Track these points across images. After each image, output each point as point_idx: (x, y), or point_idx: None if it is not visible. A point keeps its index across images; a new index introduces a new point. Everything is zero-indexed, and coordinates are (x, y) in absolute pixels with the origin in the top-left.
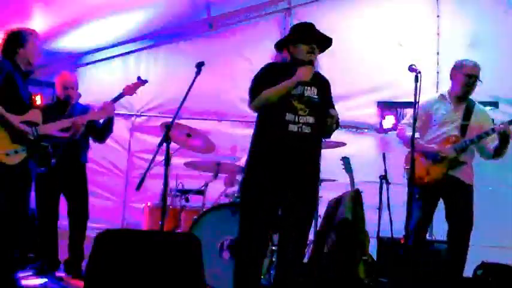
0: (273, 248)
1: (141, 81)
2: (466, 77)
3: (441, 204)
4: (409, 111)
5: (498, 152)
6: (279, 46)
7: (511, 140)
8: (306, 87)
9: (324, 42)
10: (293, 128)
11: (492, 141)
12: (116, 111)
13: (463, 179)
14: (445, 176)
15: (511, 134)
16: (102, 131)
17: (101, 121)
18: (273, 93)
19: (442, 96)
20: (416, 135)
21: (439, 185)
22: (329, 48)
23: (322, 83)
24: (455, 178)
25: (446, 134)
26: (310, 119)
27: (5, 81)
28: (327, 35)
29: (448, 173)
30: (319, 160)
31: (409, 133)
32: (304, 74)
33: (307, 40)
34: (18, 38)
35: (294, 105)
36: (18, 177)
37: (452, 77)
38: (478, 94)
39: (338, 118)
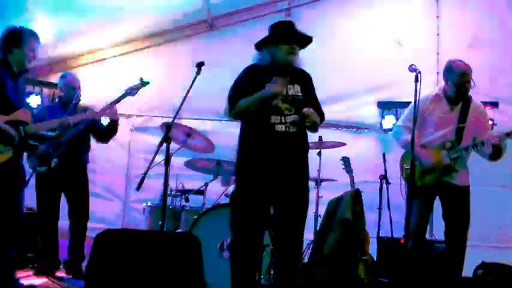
0: (273, 248)
1: (143, 83)
2: (458, 79)
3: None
4: (405, 112)
5: (492, 159)
6: (259, 46)
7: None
8: (289, 86)
9: (304, 41)
10: (280, 128)
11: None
12: None
13: (458, 183)
14: (438, 181)
15: (503, 147)
16: (105, 132)
17: (106, 123)
18: (248, 105)
19: (437, 96)
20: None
21: (434, 187)
22: (329, 48)
23: (304, 79)
24: (450, 184)
25: (442, 138)
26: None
27: None
28: (327, 35)
29: (442, 179)
30: (307, 157)
31: (405, 136)
32: (276, 88)
33: (288, 40)
34: (16, 38)
35: (278, 106)
36: (4, 176)
37: (444, 78)
38: (478, 94)
39: (311, 114)
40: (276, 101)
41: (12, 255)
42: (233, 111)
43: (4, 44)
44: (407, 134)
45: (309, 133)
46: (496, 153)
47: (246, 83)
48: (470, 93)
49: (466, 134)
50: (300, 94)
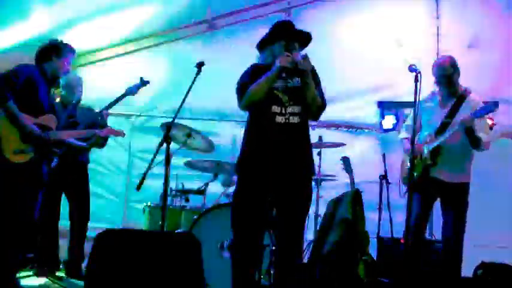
0: (273, 247)
1: (143, 82)
2: (438, 78)
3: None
4: (409, 114)
5: (473, 146)
6: (260, 47)
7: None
8: (288, 79)
9: (304, 38)
10: (280, 119)
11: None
12: (116, 111)
13: (449, 180)
14: (425, 176)
15: (474, 126)
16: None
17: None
18: (259, 86)
19: (432, 93)
20: (408, 135)
21: (428, 185)
22: (329, 48)
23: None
24: (439, 180)
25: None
26: (296, 108)
27: (25, 83)
28: (327, 35)
29: (430, 175)
30: (310, 150)
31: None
32: (282, 60)
33: (284, 36)
34: (57, 48)
35: (279, 97)
36: (23, 176)
37: None
38: (478, 94)
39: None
40: (277, 90)
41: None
42: (243, 101)
43: (44, 52)
44: (404, 133)
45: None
46: (469, 138)
47: (251, 76)
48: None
49: (451, 128)
50: (299, 85)
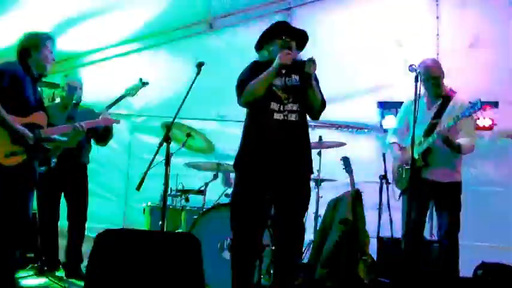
0: (273, 248)
1: (143, 83)
2: (425, 80)
3: None
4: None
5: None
6: (259, 46)
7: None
8: (287, 77)
9: (300, 37)
10: (278, 116)
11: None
12: (116, 111)
13: (441, 179)
14: (418, 178)
15: (450, 137)
16: (102, 134)
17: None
18: (258, 83)
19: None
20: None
21: (421, 186)
22: (329, 48)
23: (303, 68)
24: (430, 180)
25: (418, 137)
26: (295, 106)
27: (10, 83)
28: (327, 35)
29: (422, 176)
30: (309, 147)
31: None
32: (283, 57)
33: (281, 36)
34: (34, 41)
35: (278, 94)
36: (17, 178)
37: None
38: (478, 94)
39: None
40: (275, 87)
41: (17, 255)
42: (243, 96)
43: (23, 48)
44: (393, 137)
45: (308, 133)
46: (448, 147)
47: (251, 73)
48: (471, 92)
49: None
50: (298, 83)
